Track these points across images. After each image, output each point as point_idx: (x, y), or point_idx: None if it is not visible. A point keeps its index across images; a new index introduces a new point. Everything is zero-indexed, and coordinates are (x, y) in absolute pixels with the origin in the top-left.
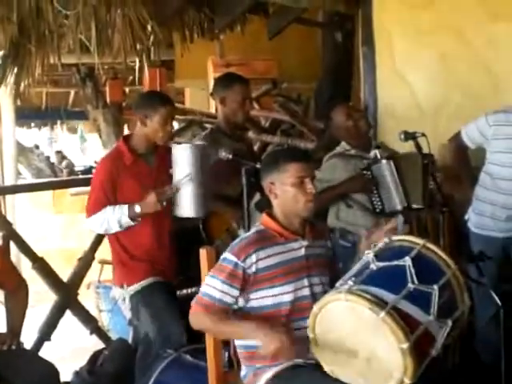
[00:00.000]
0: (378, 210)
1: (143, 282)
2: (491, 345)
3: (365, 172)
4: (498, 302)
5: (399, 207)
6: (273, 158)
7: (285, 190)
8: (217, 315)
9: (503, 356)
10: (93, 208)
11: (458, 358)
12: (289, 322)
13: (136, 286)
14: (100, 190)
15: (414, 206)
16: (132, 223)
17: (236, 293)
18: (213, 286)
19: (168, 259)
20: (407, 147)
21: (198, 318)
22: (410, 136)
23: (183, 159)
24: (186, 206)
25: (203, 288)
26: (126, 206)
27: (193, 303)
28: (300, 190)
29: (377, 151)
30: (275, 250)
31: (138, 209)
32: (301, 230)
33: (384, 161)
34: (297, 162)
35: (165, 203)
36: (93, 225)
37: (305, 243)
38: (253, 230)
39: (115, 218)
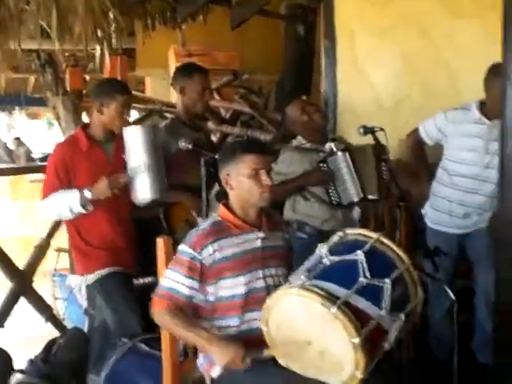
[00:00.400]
0: (334, 202)
1: (101, 272)
2: (445, 340)
3: (321, 165)
4: (453, 297)
5: (356, 199)
6: (229, 149)
7: (240, 182)
8: (179, 318)
9: (456, 351)
10: (46, 192)
11: (412, 353)
12: (244, 313)
13: (94, 275)
14: (54, 174)
15: (370, 197)
16: (83, 210)
17: (197, 285)
18: (173, 279)
19: (127, 248)
20: (366, 142)
21: (161, 317)
22: (368, 130)
23: (135, 141)
24: (142, 189)
25: (164, 282)
26: (77, 191)
27: (155, 298)
28: (255, 182)
29: (332, 144)
30: (231, 241)
31: (88, 194)
32: (257, 221)
33: (339, 153)
34: (252, 153)
35: (116, 191)
36: (45, 209)
37: (261, 235)
38: (209, 220)
39: (66, 202)
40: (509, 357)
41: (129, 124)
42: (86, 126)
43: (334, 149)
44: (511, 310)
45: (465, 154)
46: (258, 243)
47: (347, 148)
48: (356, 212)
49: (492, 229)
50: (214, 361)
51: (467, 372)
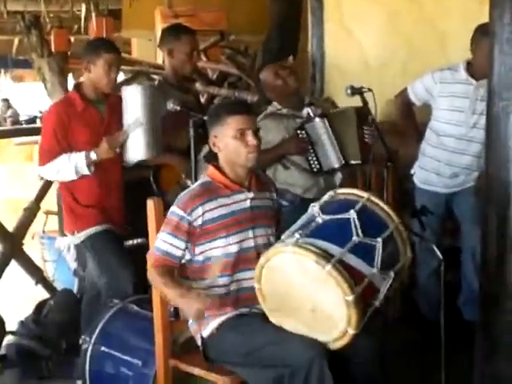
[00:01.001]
0: (315, 170)
1: (93, 229)
2: (432, 298)
3: (299, 132)
4: (440, 256)
5: (336, 165)
6: (215, 111)
7: (227, 143)
8: (166, 276)
9: (443, 309)
10: (47, 156)
11: (399, 311)
12: (233, 272)
13: (84, 233)
14: (52, 137)
15: (352, 162)
16: (88, 172)
17: (182, 245)
18: (162, 239)
19: (117, 208)
20: (354, 102)
21: (151, 275)
22: (356, 91)
23: (133, 100)
24: (136, 148)
25: (156, 243)
26: (83, 153)
27: (148, 257)
28: (241, 143)
29: (309, 109)
30: (221, 201)
31: (93, 156)
32: (246, 182)
33: (317, 119)
34: (237, 114)
35: (118, 150)
36: (47, 172)
37: (250, 195)
38: (198, 182)
39: (72, 165)
40: (494, 313)
41: (117, 84)
42: (78, 87)
43: (312, 114)
44: (497, 267)
45: (452, 114)
46: (247, 203)
47: (325, 113)
48: (338, 178)
49: (479, 188)
50: (203, 321)
51: (454, 329)
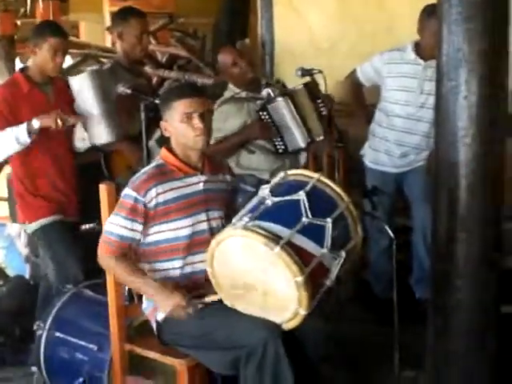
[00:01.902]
0: (280, 151)
1: (43, 221)
2: (384, 277)
3: (261, 113)
4: (392, 235)
5: (303, 144)
6: (164, 96)
7: (175, 127)
8: (124, 264)
9: (395, 288)
10: None
11: (351, 290)
12: (187, 255)
13: (35, 224)
14: None
15: (317, 138)
16: (28, 139)
17: (139, 227)
18: (116, 224)
19: (70, 195)
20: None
21: (106, 262)
22: (306, 73)
23: (84, 90)
24: (99, 132)
25: (107, 226)
26: (25, 122)
27: (100, 243)
28: (188, 126)
29: (269, 89)
30: (174, 184)
31: (35, 123)
32: (199, 164)
33: (280, 98)
34: (184, 98)
35: (61, 127)
36: None
37: (203, 178)
38: (152, 164)
39: (13, 134)
40: (445, 291)
41: (63, 67)
42: (24, 69)
43: (272, 94)
44: (447, 245)
45: (400, 94)
46: (201, 186)
47: (286, 93)
48: (303, 157)
49: (428, 167)
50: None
51: (406, 308)
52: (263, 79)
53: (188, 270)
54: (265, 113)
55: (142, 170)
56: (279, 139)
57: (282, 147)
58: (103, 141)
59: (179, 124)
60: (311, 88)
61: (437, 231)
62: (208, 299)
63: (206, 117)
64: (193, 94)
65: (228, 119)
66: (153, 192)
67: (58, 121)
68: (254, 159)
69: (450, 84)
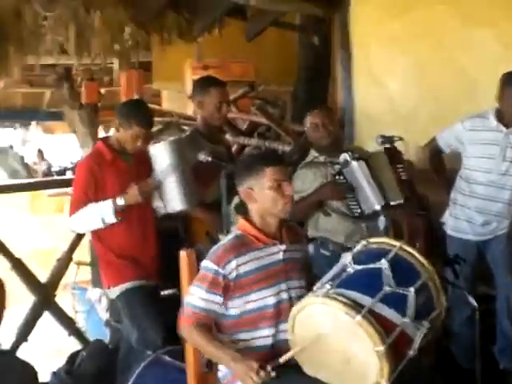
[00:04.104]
0: (356, 214)
1: (127, 285)
2: (466, 346)
3: (337, 177)
4: (474, 303)
5: (377, 207)
6: (248, 163)
7: (264, 195)
8: (204, 335)
9: (478, 357)
10: (74, 207)
11: (433, 359)
12: (274, 324)
13: (119, 288)
14: (81, 188)
15: (393, 203)
16: (114, 219)
17: (220, 299)
18: (197, 296)
19: (152, 259)
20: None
21: (186, 332)
22: (387, 140)
23: (162, 158)
24: (174, 199)
25: (188, 298)
26: (110, 200)
27: (180, 314)
28: (278, 193)
29: (346, 154)
30: (254, 255)
31: (120, 201)
32: (278, 234)
33: (354, 162)
34: (273, 165)
35: (146, 196)
36: (74, 223)
37: (283, 247)
38: (231, 235)
39: (98, 213)
40: None
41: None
42: (105, 139)
43: (349, 159)
44: None
45: (482, 161)
46: (280, 256)
47: (362, 156)
48: (381, 222)
49: (510, 235)
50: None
51: (489, 378)
52: (346, 144)
53: (276, 338)
54: (341, 177)
55: (221, 242)
56: (354, 202)
57: (358, 210)
58: (177, 209)
59: (268, 191)
60: (393, 153)
61: None
62: (282, 359)
63: (292, 185)
64: (280, 161)
65: (306, 182)
66: (233, 264)
67: (139, 196)
68: (331, 222)
69: None
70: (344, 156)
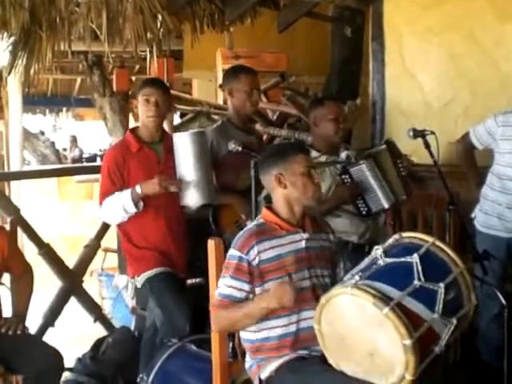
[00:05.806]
0: (364, 213)
1: (152, 271)
2: (494, 344)
3: (343, 177)
4: (503, 301)
5: (387, 205)
6: (279, 150)
7: (295, 180)
8: (230, 308)
9: (506, 355)
10: (102, 196)
11: (458, 356)
12: (296, 312)
13: (144, 275)
14: (107, 177)
15: (400, 199)
16: (135, 209)
17: (246, 286)
18: (224, 284)
19: (180, 249)
20: (416, 144)
21: (215, 319)
22: (419, 134)
23: (184, 148)
24: (192, 195)
25: (218, 289)
26: (129, 190)
27: (212, 307)
28: (309, 179)
29: (348, 153)
30: (276, 242)
31: (138, 189)
32: (301, 222)
33: (363, 161)
34: (304, 153)
35: (164, 190)
36: (103, 213)
37: (305, 235)
38: (252, 223)
39: (120, 202)
40: None
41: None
42: (134, 129)
43: (353, 158)
44: None
45: None
46: (303, 244)
47: (369, 155)
48: (382, 218)
49: None
50: (262, 363)
51: None
52: (343, 143)
53: (294, 327)
54: (347, 176)
55: (243, 230)
56: (361, 201)
57: (366, 209)
58: (194, 203)
59: (300, 177)
60: (392, 148)
61: None
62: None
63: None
64: (308, 152)
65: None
66: (255, 249)
67: (158, 187)
68: (341, 223)
69: None
70: (346, 154)
